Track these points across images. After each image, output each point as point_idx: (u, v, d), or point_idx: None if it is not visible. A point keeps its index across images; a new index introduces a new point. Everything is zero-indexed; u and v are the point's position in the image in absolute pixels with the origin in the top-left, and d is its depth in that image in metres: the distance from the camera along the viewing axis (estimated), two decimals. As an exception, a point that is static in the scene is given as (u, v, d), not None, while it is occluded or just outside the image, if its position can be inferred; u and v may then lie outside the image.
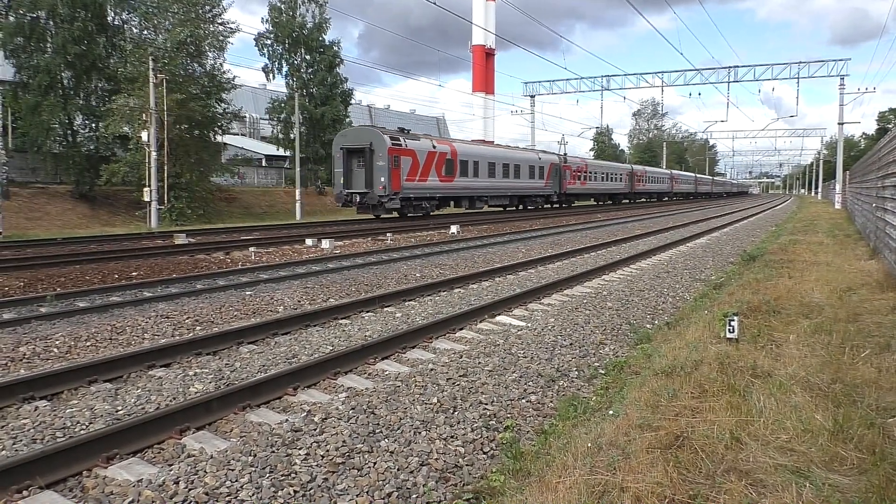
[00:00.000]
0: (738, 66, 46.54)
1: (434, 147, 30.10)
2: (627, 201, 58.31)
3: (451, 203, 33.41)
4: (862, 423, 4.19)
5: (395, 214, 28.95)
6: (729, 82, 46.78)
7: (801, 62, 45.16)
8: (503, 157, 36.18)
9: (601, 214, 38.44)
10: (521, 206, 39.62)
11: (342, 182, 27.33)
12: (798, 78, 45.39)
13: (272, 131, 50.86)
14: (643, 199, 63.30)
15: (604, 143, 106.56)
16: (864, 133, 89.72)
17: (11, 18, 31.19)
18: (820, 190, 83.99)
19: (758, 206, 54.52)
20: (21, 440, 4.71)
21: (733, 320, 6.38)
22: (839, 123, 45.73)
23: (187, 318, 8.76)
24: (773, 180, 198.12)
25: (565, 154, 46.22)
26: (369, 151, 26.48)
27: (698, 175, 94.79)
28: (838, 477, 3.59)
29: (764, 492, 3.43)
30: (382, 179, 26.38)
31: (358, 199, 27.02)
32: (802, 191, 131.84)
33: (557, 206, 43.88)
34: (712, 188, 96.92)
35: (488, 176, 34.26)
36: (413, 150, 28.31)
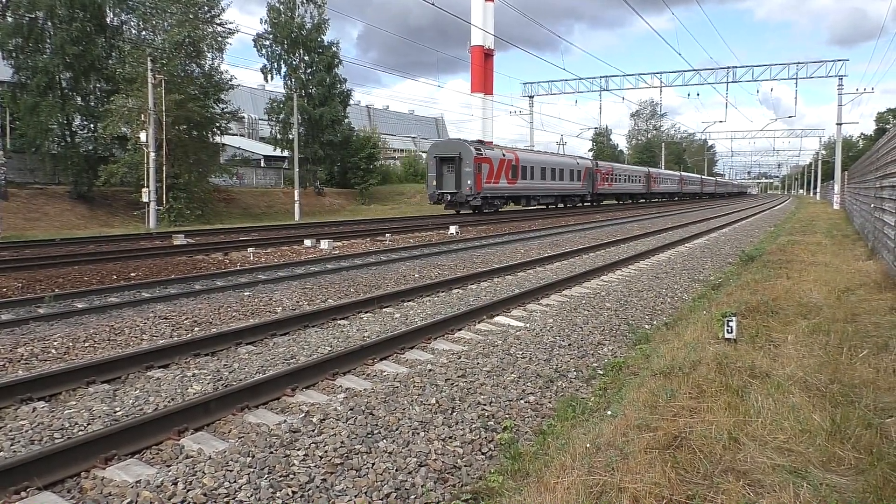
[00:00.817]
0: (736, 67, 46.66)
1: (503, 155, 35.34)
2: (644, 201, 62.46)
3: (511, 202, 38.51)
4: (859, 424, 4.20)
5: (473, 211, 33.99)
6: (727, 83, 46.88)
7: (799, 63, 45.23)
8: (552, 163, 41.49)
9: (600, 215, 38.51)
10: (563, 205, 44.57)
11: (434, 184, 32.81)
12: (796, 78, 45.47)
13: (271, 132, 50.87)
14: (656, 199, 67.90)
15: (602, 144, 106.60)
16: (862, 133, 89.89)
17: (9, 19, 31.16)
18: (818, 190, 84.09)
19: (756, 207, 54.56)
20: (19, 441, 4.71)
21: (731, 321, 6.39)
22: (837, 124, 45.78)
23: (186, 319, 8.76)
24: (771, 181, 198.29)
25: (597, 160, 53.02)
26: (458, 159, 32.00)
27: (704, 176, 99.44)
28: (836, 477, 3.60)
29: (762, 492, 3.43)
30: (469, 182, 31.86)
31: (448, 198, 32.66)
32: (801, 191, 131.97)
33: (589, 204, 48.82)
34: (716, 188, 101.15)
35: (541, 179, 39.34)
36: (490, 158, 33.58)
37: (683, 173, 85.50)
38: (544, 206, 42.54)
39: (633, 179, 57.53)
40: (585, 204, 48.06)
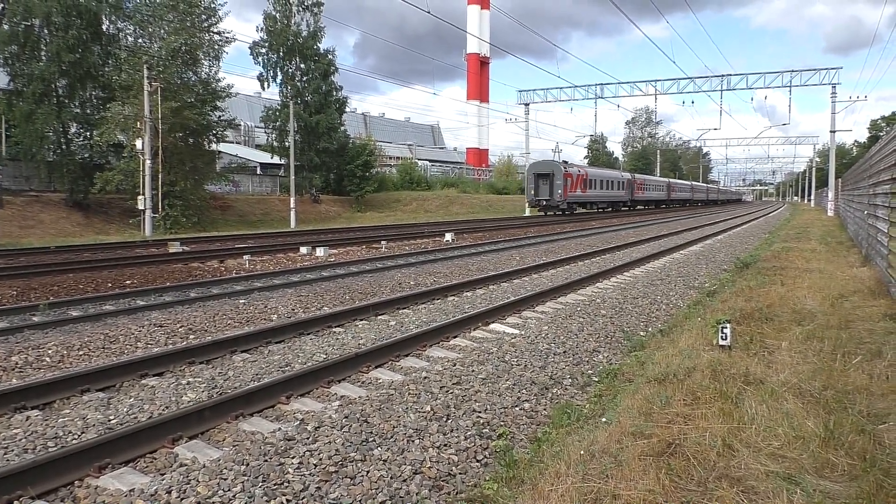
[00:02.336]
0: (730, 75, 46.86)
1: (579, 172, 47.68)
2: (664, 206, 73.62)
3: (582, 207, 50.28)
4: (853, 430, 4.21)
5: (561, 212, 45.49)
6: (722, 90, 47.06)
7: (793, 71, 45.46)
8: (607, 177, 54.27)
9: (596, 222, 38.63)
10: (610, 209, 55.93)
11: (532, 193, 45.43)
12: (790, 86, 45.64)
13: (267, 139, 50.86)
14: (675, 205, 79.27)
15: (598, 151, 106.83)
16: (856, 141, 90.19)
17: (5, 27, 31.12)
18: (813, 197, 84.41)
19: (751, 214, 54.75)
20: (13, 450, 4.70)
21: (726, 327, 6.41)
22: (831, 131, 46.01)
23: (181, 327, 8.74)
24: (766, 188, 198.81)
25: (634, 173, 66.65)
26: (552, 175, 44.33)
27: (709, 185, 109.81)
28: (829, 483, 3.61)
29: (755, 499, 3.44)
30: (559, 191, 43.95)
31: (543, 202, 45.17)
32: (795, 198, 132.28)
33: (627, 208, 60.35)
34: (718, 196, 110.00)
35: (601, 189, 51.35)
36: (571, 174, 45.69)
37: (694, 183, 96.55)
38: (601, 210, 54.34)
39: (658, 189, 71.05)
40: (624, 209, 59.38)
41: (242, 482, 4.07)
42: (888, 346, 6.29)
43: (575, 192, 45.81)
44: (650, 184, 67.38)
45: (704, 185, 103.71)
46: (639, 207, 63.88)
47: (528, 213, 50.42)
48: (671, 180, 79.91)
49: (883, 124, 72.47)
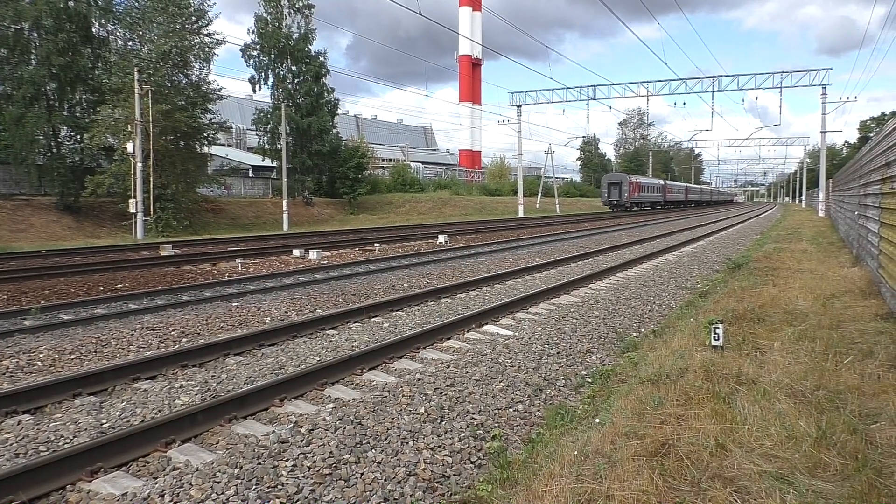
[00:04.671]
0: (721, 76, 46.94)
1: (637, 180, 64.38)
2: (681, 206, 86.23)
3: (636, 207, 64.77)
4: (845, 430, 4.23)
5: (625, 210, 60.75)
6: (713, 92, 47.08)
7: (783, 72, 45.63)
8: (651, 184, 71.66)
9: (588, 224, 38.70)
10: (649, 207, 70.28)
11: (607, 195, 61.17)
12: (781, 87, 45.76)
13: (259, 142, 50.76)
14: (692, 205, 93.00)
15: (590, 153, 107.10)
16: (846, 142, 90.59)
17: (-6, 30, 30.99)
18: (804, 198, 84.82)
19: (743, 215, 55.00)
20: (4, 455, 4.67)
21: (718, 328, 6.44)
22: (821, 132, 46.16)
23: (173, 330, 8.71)
24: (757, 188, 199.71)
25: (667, 180, 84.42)
26: (620, 183, 60.81)
27: (712, 188, 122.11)
28: (821, 483, 3.63)
29: (748, 498, 3.46)
30: (626, 195, 60.00)
31: (614, 202, 60.61)
32: (787, 199, 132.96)
33: (661, 208, 73.80)
34: (719, 197, 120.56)
35: (648, 193, 68.25)
36: (632, 181, 61.96)
37: (702, 186, 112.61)
38: (648, 208, 69.37)
39: (679, 192, 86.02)
40: (658, 207, 73.41)
41: (236, 485, 4.06)
42: (879, 346, 6.33)
43: (634, 195, 61.92)
44: (674, 188, 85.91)
45: (698, 186, 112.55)
46: (668, 206, 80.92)
47: (521, 214, 50.74)
48: (688, 185, 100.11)
49: (873, 125, 72.91)
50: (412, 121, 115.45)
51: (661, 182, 77.28)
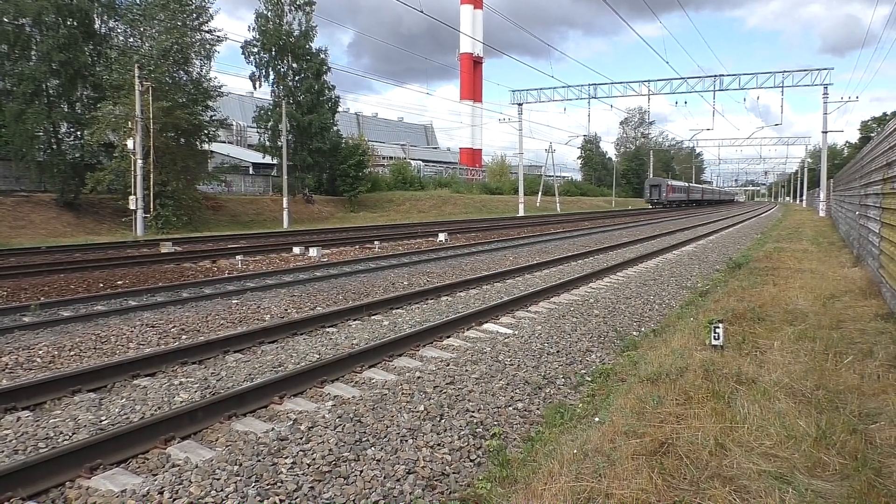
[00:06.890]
0: (723, 75, 46.84)
1: (672, 184, 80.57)
2: (697, 205, 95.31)
3: (670, 204, 77.53)
4: (844, 429, 4.23)
5: (663, 206, 73.73)
6: (714, 91, 47.01)
7: (785, 71, 45.77)
8: (680, 186, 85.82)
9: (588, 223, 38.70)
10: (681, 205, 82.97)
11: (649, 195, 76.92)
12: (782, 87, 45.67)
13: (259, 139, 50.68)
14: (705, 204, 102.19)
15: (591, 152, 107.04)
16: (847, 142, 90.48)
17: (-5, 26, 30.91)
18: (804, 198, 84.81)
19: (744, 214, 55.00)
20: (3, 451, 4.67)
21: (718, 327, 6.43)
22: (823, 132, 46.10)
23: (173, 327, 8.71)
24: (758, 188, 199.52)
25: (690, 183, 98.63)
26: (660, 185, 77.45)
27: (722, 188, 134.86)
28: (821, 482, 3.63)
29: (748, 498, 3.45)
30: (664, 195, 76.05)
31: (655, 200, 75.88)
32: (787, 198, 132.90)
33: (686, 206, 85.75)
34: (724, 196, 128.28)
35: (678, 193, 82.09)
36: (669, 184, 78.37)
37: (714, 186, 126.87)
38: (677, 205, 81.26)
39: (697, 192, 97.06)
40: (682, 205, 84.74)
41: (235, 482, 4.06)
42: (879, 346, 6.33)
43: (670, 195, 77.55)
44: (694, 189, 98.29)
45: (710, 187, 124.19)
46: (685, 205, 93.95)
47: (521, 213, 50.77)
48: (703, 186, 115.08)
49: (874, 125, 72.84)
50: (413, 119, 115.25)
51: (686, 185, 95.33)
